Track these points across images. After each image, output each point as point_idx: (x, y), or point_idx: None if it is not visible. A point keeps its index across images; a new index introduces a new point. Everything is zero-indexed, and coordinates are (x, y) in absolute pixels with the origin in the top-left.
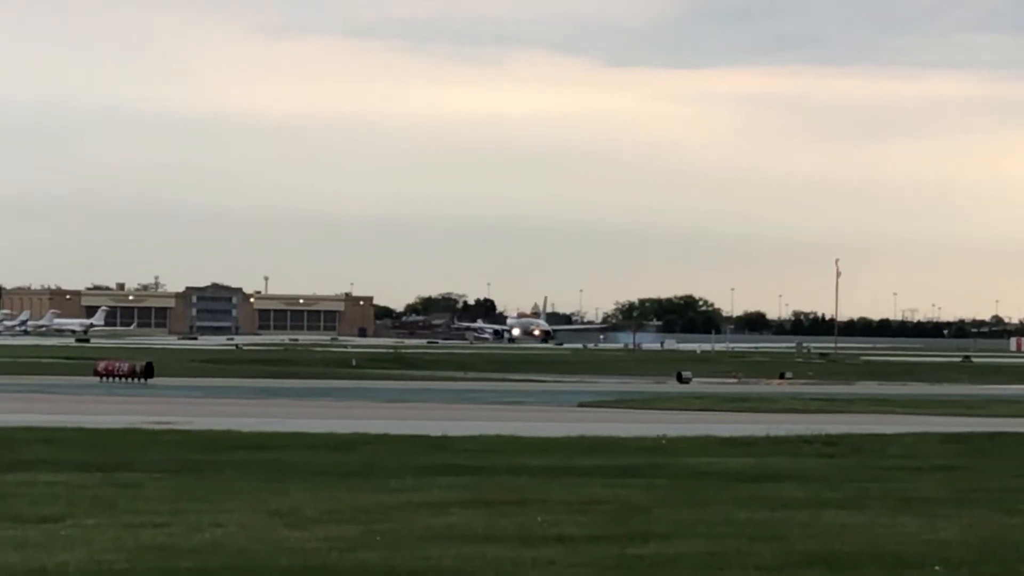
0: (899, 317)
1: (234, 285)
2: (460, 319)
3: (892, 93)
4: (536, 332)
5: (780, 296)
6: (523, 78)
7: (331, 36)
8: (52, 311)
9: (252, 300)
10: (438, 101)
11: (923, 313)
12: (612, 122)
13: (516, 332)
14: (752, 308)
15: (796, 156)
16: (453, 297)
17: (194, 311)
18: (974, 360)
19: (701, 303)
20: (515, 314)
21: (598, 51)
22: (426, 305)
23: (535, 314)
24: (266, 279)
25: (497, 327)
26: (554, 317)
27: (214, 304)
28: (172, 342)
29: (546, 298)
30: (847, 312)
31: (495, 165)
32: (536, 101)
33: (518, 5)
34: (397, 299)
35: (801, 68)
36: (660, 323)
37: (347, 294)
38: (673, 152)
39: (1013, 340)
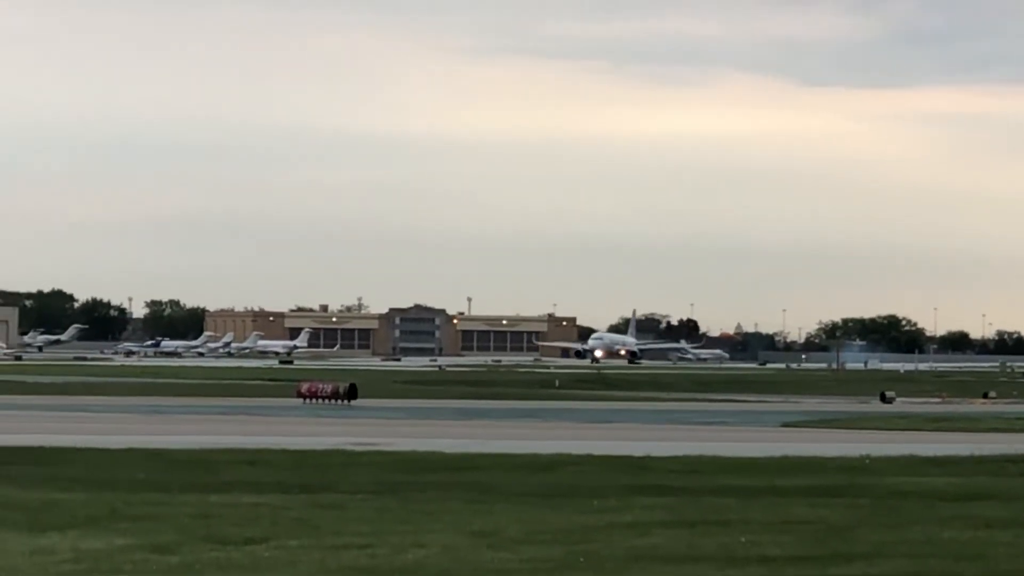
0: None
1: (437, 306)
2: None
3: None
4: (622, 352)
5: (983, 316)
6: (721, 98)
7: (532, 57)
8: (256, 333)
9: (455, 321)
10: (638, 122)
11: None
12: (810, 142)
13: (599, 353)
14: (955, 327)
15: (995, 174)
16: (656, 317)
17: (397, 332)
18: None
19: (904, 323)
20: (710, 333)
21: (795, 71)
22: (629, 326)
23: (737, 335)
24: (469, 300)
25: (579, 346)
26: (756, 337)
27: (417, 325)
28: (375, 363)
29: (635, 311)
30: None
31: (695, 185)
32: (735, 121)
33: (716, 26)
34: (600, 320)
35: (998, 87)
36: (864, 343)
37: (550, 315)
38: (871, 171)
39: None
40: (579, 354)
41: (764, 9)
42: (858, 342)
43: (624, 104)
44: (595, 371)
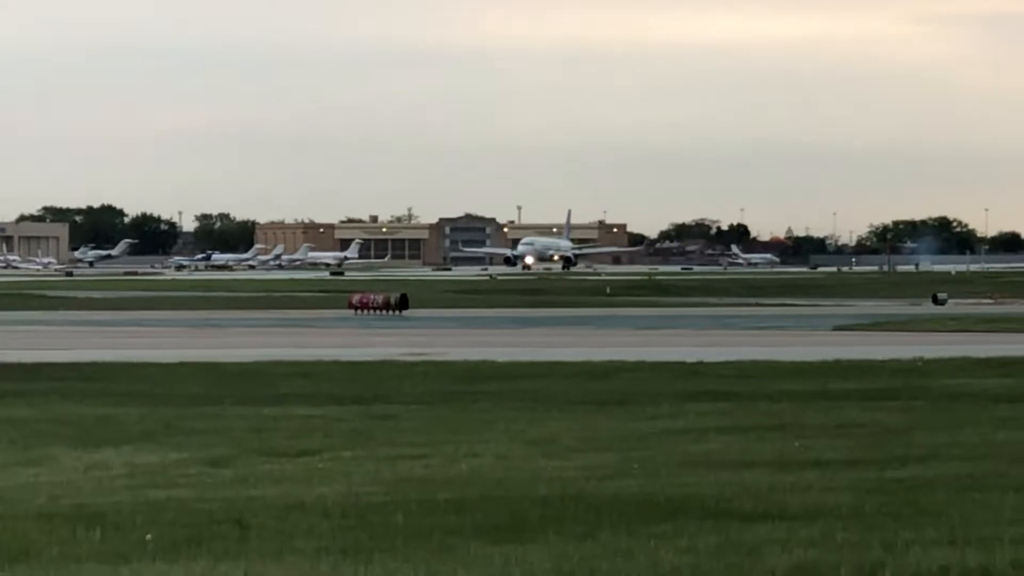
0: None
1: (487, 215)
2: (715, 245)
3: None
4: (555, 257)
5: None
6: (780, 1)
7: None
8: (306, 245)
9: (506, 230)
10: (686, 26)
11: None
12: (864, 45)
13: (529, 260)
14: (1007, 228)
15: None
16: (707, 223)
17: (448, 242)
18: None
19: (955, 224)
20: (761, 243)
21: None
22: (679, 231)
23: (788, 239)
24: (519, 208)
25: (508, 252)
26: (807, 241)
27: (468, 235)
28: (426, 273)
29: (570, 212)
30: None
31: (746, 90)
32: (785, 24)
33: None
34: (651, 226)
35: None
36: (916, 244)
37: (600, 222)
38: (922, 72)
39: None
40: (508, 260)
41: None
42: (910, 244)
43: (672, 8)
44: (646, 277)
